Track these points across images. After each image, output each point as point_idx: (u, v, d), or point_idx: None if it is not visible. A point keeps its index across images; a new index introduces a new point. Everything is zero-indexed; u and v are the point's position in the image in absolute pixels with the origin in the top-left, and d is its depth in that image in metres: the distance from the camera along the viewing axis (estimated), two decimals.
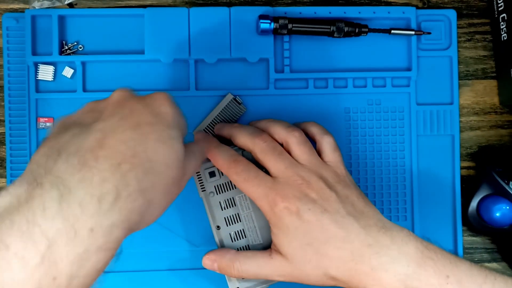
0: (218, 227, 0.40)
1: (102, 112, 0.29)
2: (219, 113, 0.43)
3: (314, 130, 0.39)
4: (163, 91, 0.32)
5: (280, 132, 0.38)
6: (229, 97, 0.43)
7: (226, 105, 0.43)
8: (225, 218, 0.40)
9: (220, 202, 0.40)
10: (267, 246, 0.39)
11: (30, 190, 0.24)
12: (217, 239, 0.40)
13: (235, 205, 0.40)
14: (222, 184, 0.40)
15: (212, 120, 0.43)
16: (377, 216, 0.36)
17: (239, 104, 0.43)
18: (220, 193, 0.40)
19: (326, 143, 0.38)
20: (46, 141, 0.28)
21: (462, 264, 0.33)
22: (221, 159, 0.37)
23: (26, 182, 0.25)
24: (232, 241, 0.40)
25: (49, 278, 0.23)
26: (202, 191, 0.40)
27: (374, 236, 0.34)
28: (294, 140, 0.37)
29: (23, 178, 0.25)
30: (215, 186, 0.40)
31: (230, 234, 0.40)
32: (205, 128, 0.43)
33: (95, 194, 0.25)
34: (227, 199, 0.40)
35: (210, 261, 0.38)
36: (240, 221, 0.40)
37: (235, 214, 0.40)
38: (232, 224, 0.40)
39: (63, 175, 0.25)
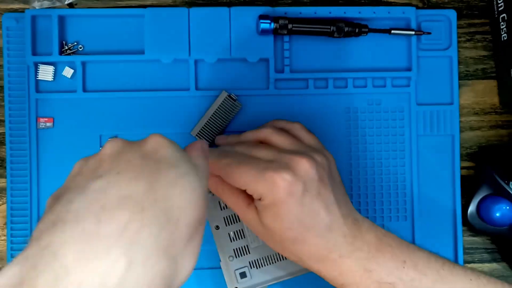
0: (217, 227, 0.40)
1: (94, 170, 0.25)
2: (215, 111, 0.43)
3: (281, 124, 0.39)
4: (155, 133, 0.27)
5: (260, 133, 0.38)
6: (224, 94, 0.43)
7: (221, 103, 0.43)
8: (224, 218, 0.40)
9: (219, 202, 0.40)
10: (266, 247, 0.39)
11: (23, 272, 0.20)
12: (216, 239, 0.40)
13: None
14: None
15: (209, 119, 0.43)
16: (350, 205, 0.36)
17: (234, 100, 0.43)
18: None
19: (298, 129, 0.38)
20: (41, 219, 0.24)
21: (419, 252, 0.34)
22: (212, 164, 0.35)
23: (19, 263, 0.21)
24: (231, 241, 0.40)
25: None
26: None
27: (349, 227, 0.34)
28: (270, 130, 0.37)
29: (17, 259, 0.21)
30: None
31: (229, 233, 0.40)
32: (202, 127, 0.43)
33: (98, 270, 0.20)
34: None
35: None
36: (239, 221, 0.40)
37: (234, 214, 0.40)
38: (231, 224, 0.40)
39: (58, 250, 0.21)
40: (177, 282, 0.25)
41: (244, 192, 0.35)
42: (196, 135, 0.43)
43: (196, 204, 0.25)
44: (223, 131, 0.44)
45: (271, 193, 0.33)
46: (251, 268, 0.40)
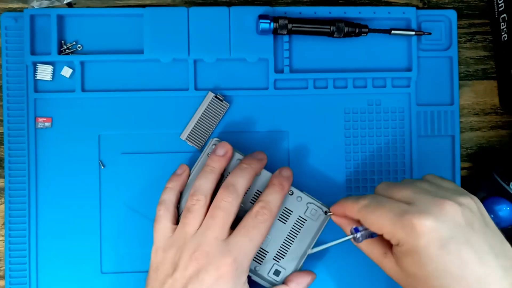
0: None
1: None
2: (203, 113, 0.43)
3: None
4: None
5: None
6: (210, 95, 0.43)
7: (208, 104, 0.43)
8: None
9: None
10: (276, 235, 0.39)
11: None
12: None
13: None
14: None
15: (197, 121, 0.43)
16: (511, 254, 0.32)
17: (221, 101, 0.43)
18: None
19: (431, 177, 0.36)
20: None
21: None
22: (350, 206, 0.35)
23: None
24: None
25: None
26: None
27: (511, 281, 0.30)
28: (410, 180, 0.36)
29: None
30: None
31: None
32: (191, 130, 0.43)
33: None
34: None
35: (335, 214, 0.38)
36: None
37: None
38: None
39: None
40: None
41: (380, 239, 0.34)
42: (186, 138, 0.43)
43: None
44: (212, 133, 0.43)
45: (411, 239, 0.31)
46: (278, 261, 0.39)
